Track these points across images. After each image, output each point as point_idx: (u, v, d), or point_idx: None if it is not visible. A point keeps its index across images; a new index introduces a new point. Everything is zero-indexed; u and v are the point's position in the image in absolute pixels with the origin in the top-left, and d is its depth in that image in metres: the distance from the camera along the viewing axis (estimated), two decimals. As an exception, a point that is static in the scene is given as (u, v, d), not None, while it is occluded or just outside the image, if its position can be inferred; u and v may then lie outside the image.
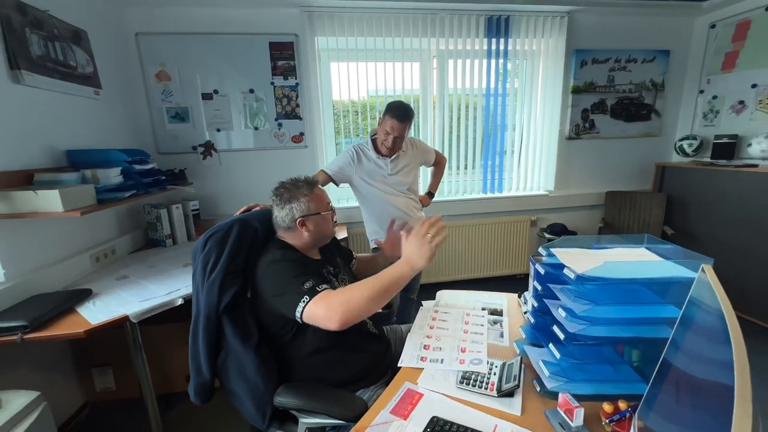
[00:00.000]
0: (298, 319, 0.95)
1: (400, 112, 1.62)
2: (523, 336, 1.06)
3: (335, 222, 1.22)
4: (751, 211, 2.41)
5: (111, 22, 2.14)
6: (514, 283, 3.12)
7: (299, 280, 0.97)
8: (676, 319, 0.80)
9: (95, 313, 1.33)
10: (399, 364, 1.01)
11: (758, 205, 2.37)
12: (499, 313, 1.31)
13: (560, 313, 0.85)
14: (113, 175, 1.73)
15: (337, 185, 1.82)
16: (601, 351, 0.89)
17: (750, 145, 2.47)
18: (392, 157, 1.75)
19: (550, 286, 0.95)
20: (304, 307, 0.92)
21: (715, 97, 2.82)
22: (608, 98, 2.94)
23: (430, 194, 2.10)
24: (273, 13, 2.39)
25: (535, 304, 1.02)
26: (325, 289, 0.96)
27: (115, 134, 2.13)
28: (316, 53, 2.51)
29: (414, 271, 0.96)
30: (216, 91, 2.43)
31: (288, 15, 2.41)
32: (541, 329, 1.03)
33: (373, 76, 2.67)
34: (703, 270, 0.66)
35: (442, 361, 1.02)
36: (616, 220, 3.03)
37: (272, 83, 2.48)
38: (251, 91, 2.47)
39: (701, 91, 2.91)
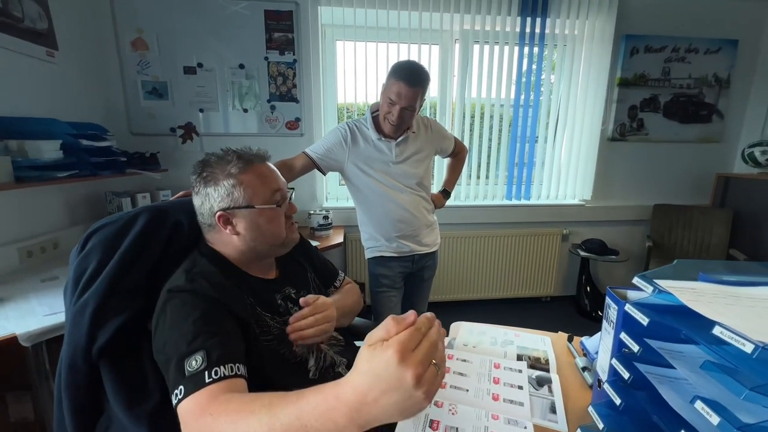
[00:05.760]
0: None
1: (411, 74, 1.16)
2: (600, 425, 0.63)
3: (293, 221, 0.79)
4: None
5: (78, -27, 1.83)
6: (540, 308, 2.66)
7: (189, 345, 0.55)
8: None
9: (-24, 329, 0.96)
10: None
11: None
12: (544, 365, 0.88)
13: (708, 417, 0.43)
14: (49, 150, 1.39)
15: (324, 173, 1.38)
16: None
17: None
18: (398, 139, 1.30)
19: (659, 350, 0.53)
20: (176, 402, 0.51)
21: (795, 97, 2.35)
22: (662, 94, 2.48)
23: (446, 193, 1.61)
24: (270, -24, 2.05)
25: (626, 375, 0.60)
26: (222, 379, 0.51)
27: (73, 106, 1.79)
28: (318, 27, 2.15)
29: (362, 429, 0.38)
30: (200, 65, 2.09)
31: (287, -22, 2.06)
32: (630, 413, 0.61)
33: (385, 62, 2.29)
34: None
35: (459, 459, 0.61)
36: (665, 239, 2.55)
37: (266, 58, 2.13)
38: (241, 66, 2.12)
39: (776, 90, 2.44)
